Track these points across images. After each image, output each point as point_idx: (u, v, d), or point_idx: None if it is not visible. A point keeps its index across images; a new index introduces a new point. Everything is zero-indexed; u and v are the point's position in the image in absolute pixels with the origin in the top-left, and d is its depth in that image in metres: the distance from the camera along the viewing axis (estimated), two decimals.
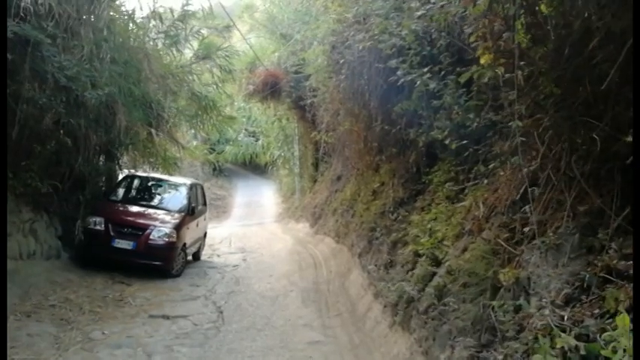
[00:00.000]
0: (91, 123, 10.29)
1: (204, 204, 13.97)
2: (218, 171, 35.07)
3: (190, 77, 11.24)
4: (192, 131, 25.74)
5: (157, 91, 11.10)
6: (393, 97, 7.80)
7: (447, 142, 6.31)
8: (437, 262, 5.51)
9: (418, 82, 6.44)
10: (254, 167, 37.72)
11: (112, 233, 10.54)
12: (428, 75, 6.39)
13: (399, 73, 6.80)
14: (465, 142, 5.82)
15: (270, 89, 17.24)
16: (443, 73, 6.41)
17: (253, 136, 29.35)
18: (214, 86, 12.34)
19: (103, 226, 10.58)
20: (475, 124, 5.75)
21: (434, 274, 5.41)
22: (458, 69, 6.14)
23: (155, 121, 11.72)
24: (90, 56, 8.45)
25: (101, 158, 11.95)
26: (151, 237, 10.65)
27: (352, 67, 8.87)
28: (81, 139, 10.52)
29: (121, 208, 11.35)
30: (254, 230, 20.07)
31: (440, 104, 6.56)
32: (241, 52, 18.36)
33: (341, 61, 9.16)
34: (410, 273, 6.27)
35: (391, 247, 7.67)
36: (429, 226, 6.28)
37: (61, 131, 9.49)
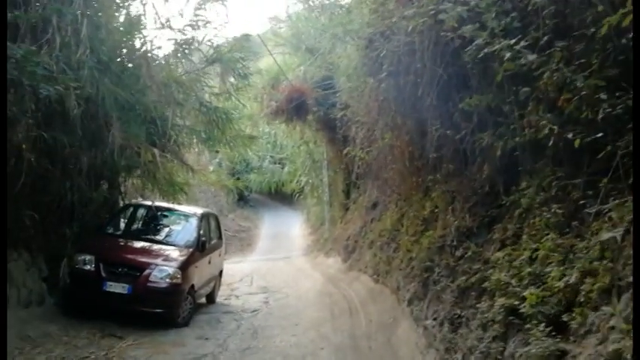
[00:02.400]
0: (79, 140, 8.52)
1: (220, 237, 12.03)
2: (243, 201, 33.29)
3: (198, 85, 9.42)
4: (217, 159, 24.30)
5: (160, 103, 9.30)
6: (457, 90, 5.83)
7: (549, 142, 4.26)
8: (563, 332, 3.40)
9: (507, 56, 4.41)
10: (281, 197, 36.01)
11: (103, 274, 8.64)
12: (522, 44, 4.34)
13: (477, 42, 4.78)
14: (595, 136, 3.72)
15: (295, 107, 15.39)
16: (543, 42, 4.36)
17: (279, 164, 27.48)
18: (227, 95, 10.46)
19: (92, 265, 8.70)
20: (602, 113, 3.70)
21: (562, 354, 3.28)
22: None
23: (160, 141, 9.88)
24: (63, 45, 6.68)
25: (101, 185, 10.14)
26: (150, 278, 8.72)
27: (396, 60, 6.92)
28: (68, 160, 8.78)
29: (116, 244, 9.47)
30: (279, 266, 18.04)
31: (530, 91, 4.55)
32: (263, 69, 16.67)
33: (382, 54, 7.21)
34: (500, 343, 4.16)
35: (459, 295, 5.58)
36: (528, 269, 4.18)
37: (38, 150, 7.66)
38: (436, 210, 7.71)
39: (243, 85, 10.47)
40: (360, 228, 14.55)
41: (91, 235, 9.43)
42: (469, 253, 5.73)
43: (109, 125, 8.68)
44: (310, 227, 27.96)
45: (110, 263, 8.77)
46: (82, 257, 8.76)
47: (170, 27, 9.89)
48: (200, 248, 9.87)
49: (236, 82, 10.27)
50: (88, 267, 8.70)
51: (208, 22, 10.21)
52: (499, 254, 4.82)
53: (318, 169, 21.82)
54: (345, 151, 11.71)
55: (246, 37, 10.88)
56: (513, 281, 4.32)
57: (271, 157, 27.14)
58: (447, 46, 5.81)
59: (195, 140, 10.69)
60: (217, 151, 17.65)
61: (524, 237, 4.74)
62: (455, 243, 6.13)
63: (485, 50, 4.69)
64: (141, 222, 10.55)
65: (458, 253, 5.99)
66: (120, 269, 8.73)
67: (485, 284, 4.86)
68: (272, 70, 16.56)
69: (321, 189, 21.76)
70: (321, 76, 16.70)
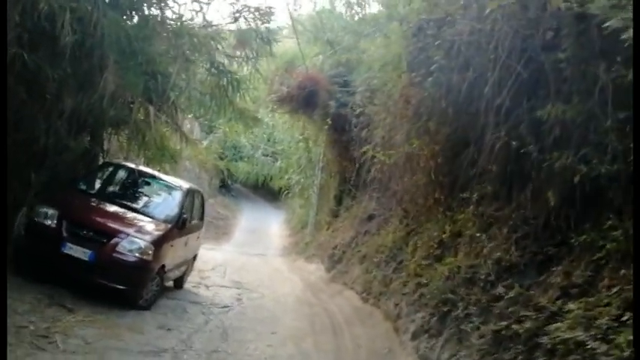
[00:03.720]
0: (66, 77, 7.35)
1: (201, 219, 10.86)
2: (225, 189, 32.00)
3: (212, 43, 8.23)
4: (208, 138, 23.00)
5: (166, 57, 8.14)
6: (529, 95, 4.80)
7: None
8: None
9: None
10: (265, 192, 34.88)
11: (64, 234, 7.44)
12: None
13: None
14: None
15: (305, 96, 14.26)
16: None
17: (271, 157, 26.27)
18: (241, 60, 9.26)
19: (54, 221, 7.50)
20: None
21: None
22: None
23: (158, 99, 8.71)
24: None
25: (82, 135, 8.91)
26: (118, 248, 7.52)
27: (455, 52, 5.89)
28: (50, 97, 7.60)
29: (86, 203, 8.27)
30: (255, 262, 16.84)
31: None
32: (277, 53, 15.49)
33: (436, 43, 6.16)
34: None
35: (494, 342, 4.53)
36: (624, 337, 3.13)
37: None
38: (461, 234, 6.69)
39: (264, 53, 9.29)
40: (351, 239, 13.49)
41: (59, 189, 8.23)
42: (512, 294, 4.69)
43: (103, 68, 7.51)
44: (290, 229, 26.84)
45: (75, 223, 7.57)
46: (44, 210, 7.56)
47: None
48: (179, 225, 8.70)
49: (257, 47, 9.10)
50: (48, 222, 7.51)
51: None
52: (572, 305, 3.74)
53: (312, 170, 20.73)
54: (362, 150, 10.56)
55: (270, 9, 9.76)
56: (595, 344, 3.26)
57: (265, 148, 25.89)
58: (530, 39, 4.78)
59: (197, 106, 9.43)
60: (211, 129, 16.52)
61: (604, 290, 3.71)
62: (492, 278, 5.08)
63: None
64: (119, 185, 9.32)
65: (495, 291, 4.94)
66: (84, 232, 7.53)
67: (544, 339, 3.80)
68: (286, 54, 15.40)
69: (311, 191, 20.65)
70: (337, 72, 15.64)
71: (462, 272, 5.79)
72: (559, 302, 3.99)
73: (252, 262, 16.84)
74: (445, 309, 5.64)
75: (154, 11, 8.01)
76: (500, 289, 4.88)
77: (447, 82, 6.11)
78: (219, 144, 24.62)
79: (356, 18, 16.91)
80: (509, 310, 4.57)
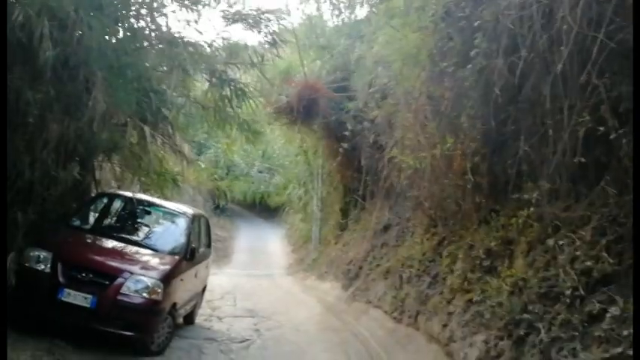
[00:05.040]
0: (49, 99, 6.48)
1: (209, 245, 9.96)
2: (220, 210, 31.04)
3: (212, 50, 7.31)
4: (201, 156, 21.97)
5: (159, 69, 7.27)
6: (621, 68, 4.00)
7: None
8: None
9: None
10: (260, 210, 34.11)
11: (60, 279, 6.52)
12: None
13: None
14: None
15: (304, 106, 13.41)
16: None
17: (267, 173, 25.31)
18: (245, 68, 8.31)
19: (48, 265, 6.59)
20: None
21: None
22: None
23: (152, 117, 7.82)
24: None
25: (71, 165, 7.97)
26: (122, 290, 6.61)
27: (500, 32, 5.08)
28: (32, 124, 6.71)
29: (82, 241, 7.36)
30: (263, 285, 15.93)
31: None
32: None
33: (475, 24, 5.35)
34: None
35: None
36: None
37: None
38: (513, 242, 5.85)
39: (270, 55, 8.41)
40: (367, 252, 12.62)
41: (51, 227, 7.32)
42: (615, 312, 3.84)
43: (90, 86, 6.64)
44: (292, 245, 25.96)
45: (71, 265, 6.65)
46: (36, 253, 6.65)
47: None
48: (188, 257, 7.81)
49: (261, 51, 8.23)
50: (41, 267, 6.60)
51: None
52: None
53: (312, 183, 19.88)
54: (387, 156, 9.70)
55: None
56: None
57: (259, 165, 24.93)
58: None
59: (198, 121, 8.47)
60: (201, 148, 15.58)
61: None
62: (580, 292, 4.23)
63: None
64: (116, 217, 8.40)
65: (589, 309, 4.09)
66: (83, 274, 6.60)
67: None
68: (281, 63, 14.60)
69: (313, 204, 19.78)
70: (334, 77, 14.85)
71: (531, 286, 4.94)
72: None
73: (260, 284, 15.94)
74: (520, 332, 4.77)
75: (142, 23, 7.14)
76: (595, 306, 4.03)
77: (491, 68, 5.29)
78: (211, 164, 23.68)
79: (345, 21, 16.21)
80: (616, 332, 3.73)
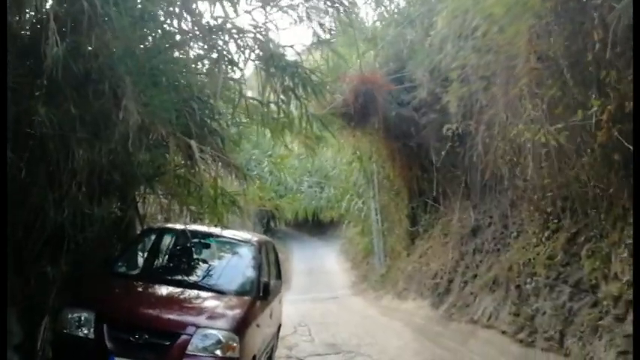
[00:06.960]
0: (70, 117, 5.06)
1: (279, 276, 8.42)
2: (270, 232, 29.65)
3: (262, 32, 5.76)
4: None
5: (200, 64, 5.79)
6: None
7: None
8: None
9: None
10: (310, 228, 32.94)
11: (108, 344, 5.03)
12: None
13: None
14: None
15: (360, 105, 11.80)
16: None
17: (317, 187, 23.65)
18: (310, 49, 6.71)
19: (91, 329, 5.10)
20: None
21: None
22: None
23: (198, 130, 6.31)
24: None
25: (107, 198, 6.53)
26: (189, 351, 5.06)
27: None
28: (54, 154, 5.29)
29: (130, 292, 5.85)
30: (333, 310, 14.30)
31: None
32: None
33: None
34: None
35: None
36: None
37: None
38: None
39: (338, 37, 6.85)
40: (455, 262, 10.88)
41: (90, 278, 5.88)
42: None
43: (118, 94, 5.18)
44: (349, 260, 24.34)
45: (120, 325, 5.14)
46: (75, 315, 5.18)
47: None
48: (262, 295, 6.26)
49: (329, 30, 6.64)
50: (84, 331, 5.12)
51: None
52: None
53: (370, 192, 18.21)
54: (481, 142, 8.03)
55: None
56: None
57: (308, 179, 23.34)
58: None
59: (260, 122, 6.79)
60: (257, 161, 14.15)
61: None
62: None
63: None
64: (168, 256, 6.93)
65: None
66: (137, 335, 5.08)
67: None
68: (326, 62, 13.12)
69: (373, 214, 18.10)
70: (387, 69, 13.26)
71: None
72: None
73: (330, 310, 14.31)
74: None
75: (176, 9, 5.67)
76: None
77: None
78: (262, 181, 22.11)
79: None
80: None
